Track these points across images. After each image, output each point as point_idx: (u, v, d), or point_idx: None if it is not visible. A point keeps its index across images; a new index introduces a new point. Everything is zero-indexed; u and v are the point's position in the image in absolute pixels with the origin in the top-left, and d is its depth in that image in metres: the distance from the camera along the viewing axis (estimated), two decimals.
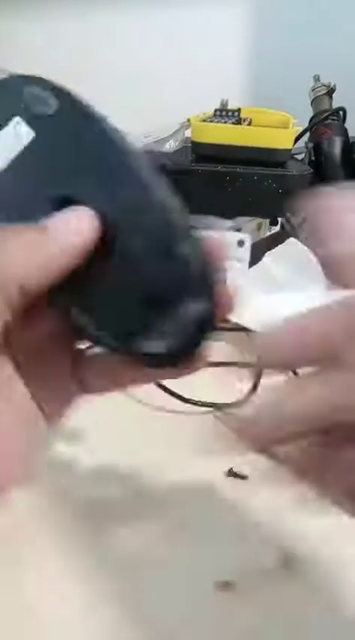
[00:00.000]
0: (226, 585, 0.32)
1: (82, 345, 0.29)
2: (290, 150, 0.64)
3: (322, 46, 0.98)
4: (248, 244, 0.63)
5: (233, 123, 0.64)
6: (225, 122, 0.64)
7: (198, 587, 0.31)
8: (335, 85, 0.79)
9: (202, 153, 0.63)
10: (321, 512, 0.37)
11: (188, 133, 0.68)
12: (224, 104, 0.69)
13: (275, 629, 0.29)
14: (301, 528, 0.35)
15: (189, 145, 0.67)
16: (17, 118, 0.25)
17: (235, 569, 0.32)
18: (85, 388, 0.30)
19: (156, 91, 1.02)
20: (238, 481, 0.37)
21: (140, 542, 0.34)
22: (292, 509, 0.37)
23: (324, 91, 0.79)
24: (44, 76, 0.24)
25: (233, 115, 0.65)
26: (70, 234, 0.24)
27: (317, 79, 0.80)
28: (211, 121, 0.65)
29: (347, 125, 0.77)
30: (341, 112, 0.77)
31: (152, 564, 0.33)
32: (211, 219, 0.64)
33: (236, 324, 0.62)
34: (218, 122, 0.64)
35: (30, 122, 0.25)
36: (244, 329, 0.62)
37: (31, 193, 0.24)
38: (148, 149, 0.67)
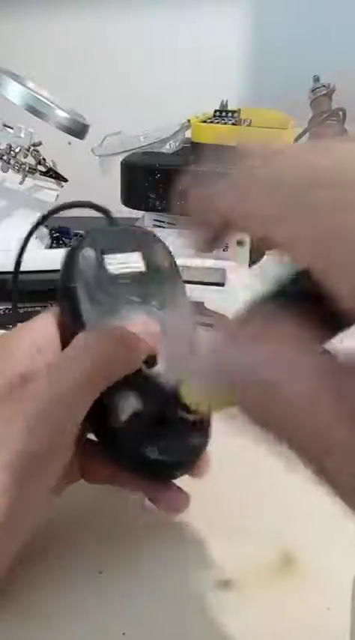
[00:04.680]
0: (226, 584, 0.32)
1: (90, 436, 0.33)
2: None
3: (322, 47, 0.98)
4: (248, 244, 0.63)
5: (232, 124, 0.64)
6: (225, 123, 0.64)
7: (198, 586, 0.32)
8: (334, 86, 0.80)
9: (202, 153, 0.64)
10: (323, 511, 0.37)
11: (188, 134, 0.68)
12: (224, 105, 0.69)
13: (276, 628, 0.29)
14: (302, 527, 0.35)
15: (189, 145, 0.67)
16: (139, 253, 0.34)
17: (235, 568, 0.32)
18: (84, 475, 0.33)
19: (155, 92, 1.02)
20: (240, 476, 0.37)
21: (139, 541, 0.34)
22: (293, 507, 0.37)
23: (324, 92, 0.79)
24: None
25: (232, 116, 0.65)
26: (148, 337, 0.30)
27: (316, 79, 0.80)
28: (211, 122, 0.65)
29: (346, 126, 0.77)
30: (340, 113, 0.77)
31: (151, 563, 0.33)
32: None
33: None
34: (218, 123, 0.64)
35: (146, 262, 0.34)
36: None
37: (118, 299, 0.33)
38: (148, 150, 0.67)
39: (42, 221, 0.50)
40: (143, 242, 0.35)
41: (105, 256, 0.33)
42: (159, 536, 0.34)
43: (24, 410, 0.27)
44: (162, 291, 0.34)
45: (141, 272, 0.34)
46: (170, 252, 0.35)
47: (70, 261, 0.33)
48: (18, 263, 0.51)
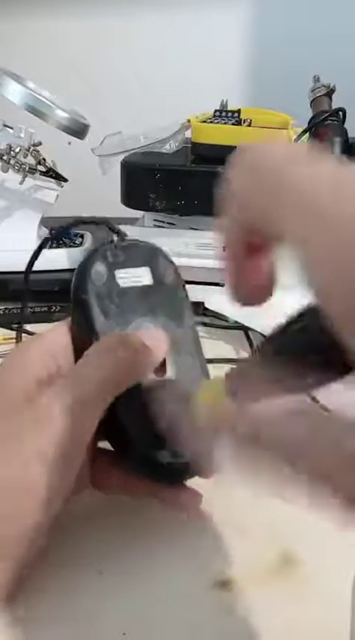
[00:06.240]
0: (226, 584, 0.32)
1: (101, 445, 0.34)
2: None
3: (322, 47, 0.98)
4: None
5: (233, 124, 0.64)
6: (225, 123, 0.64)
7: (197, 586, 0.32)
8: (334, 86, 0.80)
9: (202, 154, 0.64)
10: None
11: (188, 134, 0.68)
12: (224, 105, 0.69)
13: (276, 628, 0.29)
14: (302, 527, 0.35)
15: (189, 145, 0.67)
16: (148, 268, 0.36)
17: (235, 568, 0.32)
18: (95, 484, 0.34)
19: (156, 92, 1.03)
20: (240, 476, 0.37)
21: (139, 541, 0.34)
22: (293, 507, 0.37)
23: (324, 92, 0.79)
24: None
25: (232, 116, 0.65)
26: (158, 347, 0.32)
27: (316, 79, 0.80)
28: (211, 122, 0.65)
29: (346, 126, 0.77)
30: (340, 113, 0.77)
31: (151, 563, 0.33)
32: (211, 220, 0.64)
33: (235, 322, 0.62)
34: (218, 123, 0.64)
35: (153, 276, 0.36)
36: (242, 327, 0.62)
37: (128, 310, 0.34)
38: (148, 150, 0.67)
39: (55, 236, 0.50)
40: (150, 257, 0.37)
41: (116, 271, 0.35)
42: (159, 536, 0.34)
43: (46, 412, 0.29)
44: (167, 303, 0.36)
45: (149, 285, 0.36)
46: (176, 267, 0.37)
47: (82, 274, 0.35)
48: (28, 271, 0.52)
